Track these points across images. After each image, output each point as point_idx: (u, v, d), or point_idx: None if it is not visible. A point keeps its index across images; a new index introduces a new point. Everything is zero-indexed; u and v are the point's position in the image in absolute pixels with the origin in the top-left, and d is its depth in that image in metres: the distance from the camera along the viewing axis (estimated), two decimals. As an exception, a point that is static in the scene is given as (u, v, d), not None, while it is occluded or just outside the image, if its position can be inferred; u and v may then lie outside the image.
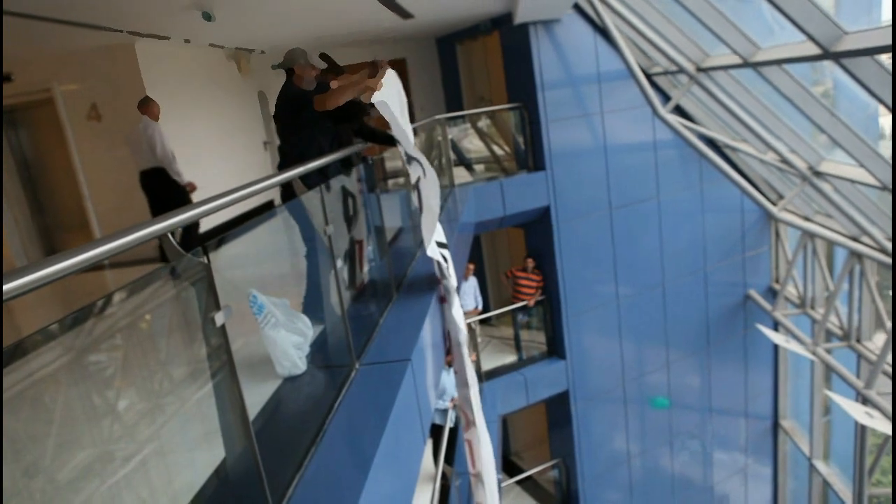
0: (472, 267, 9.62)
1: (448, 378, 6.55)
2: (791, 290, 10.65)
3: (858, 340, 8.98)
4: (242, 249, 2.77)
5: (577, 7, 8.92)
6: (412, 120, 4.58)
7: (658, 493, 11.55)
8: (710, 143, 9.73)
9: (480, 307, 9.97)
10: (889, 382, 8.07)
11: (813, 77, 7.18)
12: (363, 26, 8.77)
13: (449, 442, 6.59)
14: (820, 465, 10.70)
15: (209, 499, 2.19)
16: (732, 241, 10.92)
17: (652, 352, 10.82)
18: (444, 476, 6.21)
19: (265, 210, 2.88)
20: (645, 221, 10.22)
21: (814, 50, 5.21)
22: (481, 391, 9.19)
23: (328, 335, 3.34)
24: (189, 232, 5.78)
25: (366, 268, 4.08)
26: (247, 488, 2.23)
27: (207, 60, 8.83)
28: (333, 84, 4.53)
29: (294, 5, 6.57)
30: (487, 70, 11.27)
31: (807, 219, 9.80)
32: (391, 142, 4.02)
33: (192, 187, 6.51)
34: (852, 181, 7.20)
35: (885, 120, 7.08)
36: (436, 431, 6.72)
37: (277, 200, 4.78)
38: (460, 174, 9.40)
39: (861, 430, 8.58)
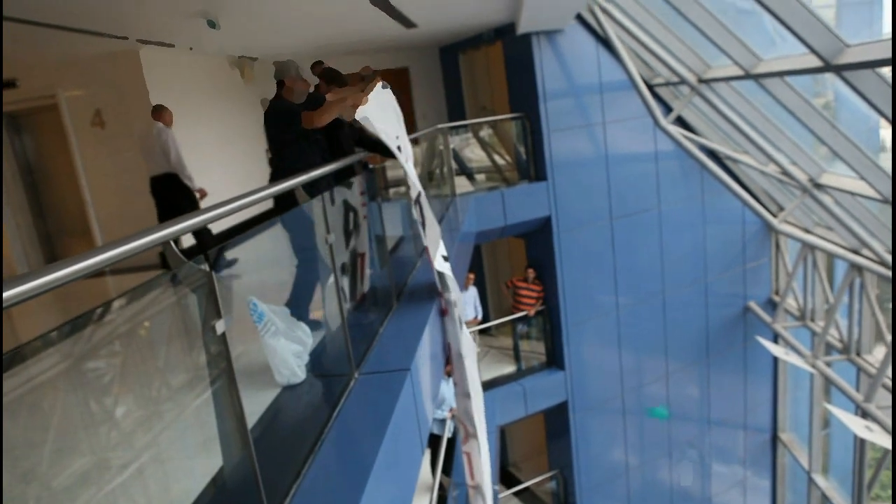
0: (472, 276, 9.62)
1: (447, 388, 6.53)
2: (791, 302, 10.64)
3: (858, 354, 8.96)
4: (244, 257, 2.78)
5: (579, 18, 8.97)
6: (413, 129, 4.60)
7: (657, 504, 11.50)
8: (712, 154, 9.75)
9: (480, 317, 9.96)
10: (889, 396, 8.04)
11: (814, 89, 7.20)
12: (366, 35, 8.82)
13: (447, 452, 6.57)
14: (819, 478, 10.65)
15: (207, 506, 2.18)
16: (733, 252, 10.92)
17: (651, 363, 10.80)
18: (441, 486, 6.19)
19: (265, 219, 2.89)
20: (646, 232, 10.23)
21: (815, 62, 5.23)
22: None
23: (327, 344, 3.34)
24: (201, 235, 5.84)
25: (367, 281, 4.08)
26: (244, 497, 2.22)
27: (211, 68, 8.87)
28: (329, 97, 4.58)
29: (298, 14, 6.61)
30: (490, 80, 11.31)
31: (807, 231, 9.80)
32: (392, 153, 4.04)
33: (203, 193, 6.58)
34: (853, 193, 7.20)
35: (886, 132, 7.10)
36: (434, 441, 6.70)
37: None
38: (461, 183, 9.43)
39: (860, 444, 8.55)
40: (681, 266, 10.57)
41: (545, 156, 9.30)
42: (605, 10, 8.30)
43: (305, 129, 4.12)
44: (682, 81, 8.08)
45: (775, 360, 11.23)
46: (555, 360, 10.24)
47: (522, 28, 8.65)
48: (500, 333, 11.00)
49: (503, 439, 11.78)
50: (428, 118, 11.39)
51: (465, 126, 10.30)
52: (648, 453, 11.17)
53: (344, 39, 8.94)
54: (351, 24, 7.78)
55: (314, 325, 3.17)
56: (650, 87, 9.40)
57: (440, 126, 8.73)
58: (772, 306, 11.13)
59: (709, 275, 10.82)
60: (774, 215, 10.27)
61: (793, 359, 9.50)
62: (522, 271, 10.33)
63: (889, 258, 7.66)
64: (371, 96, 3.75)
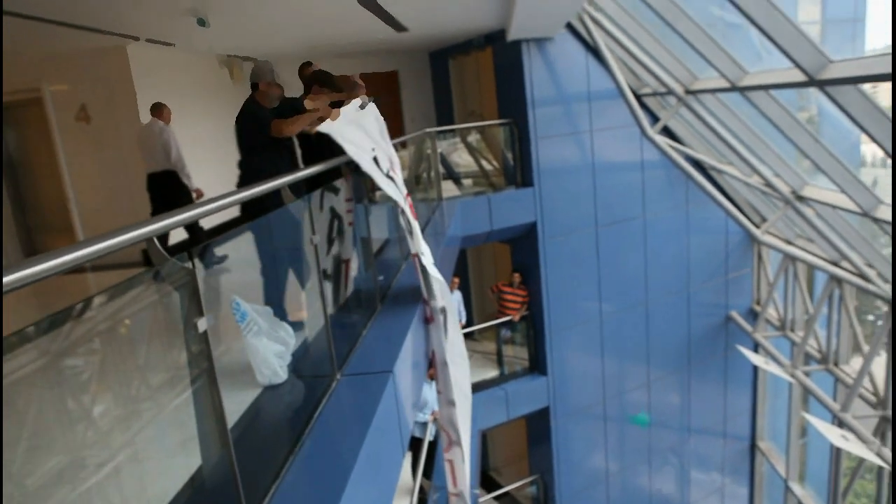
0: (456, 280, 9.63)
1: (430, 391, 6.53)
2: (771, 313, 10.77)
3: (836, 364, 9.09)
4: (231, 255, 2.77)
5: (569, 26, 9.04)
6: (402, 133, 4.60)
7: (636, 511, 11.56)
8: (697, 164, 9.87)
9: (464, 321, 9.97)
10: (865, 406, 8.16)
11: (799, 103, 7.32)
12: (357, 38, 8.82)
13: (428, 455, 6.56)
14: (795, 486, 10.77)
15: (184, 505, 2.17)
16: (716, 262, 11.04)
17: (633, 370, 10.87)
18: (421, 489, 6.18)
19: (249, 220, 2.88)
20: (630, 240, 10.31)
21: (799, 77, 5.32)
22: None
23: (310, 345, 3.33)
24: (194, 231, 5.82)
25: (350, 285, 4.07)
26: (223, 497, 2.21)
27: (200, 66, 8.82)
28: (307, 103, 4.61)
29: (288, 15, 6.60)
30: (479, 85, 11.36)
31: (789, 242, 9.94)
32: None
33: (200, 194, 6.57)
34: (834, 206, 7.32)
35: (867, 148, 7.23)
36: (415, 444, 6.69)
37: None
38: (448, 188, 9.44)
39: (836, 453, 8.67)
40: (664, 274, 10.67)
41: (532, 162, 9.35)
42: (594, 20, 8.38)
43: (274, 138, 4.15)
44: (670, 92, 8.17)
45: (755, 369, 11.35)
46: (537, 365, 10.27)
47: (513, 35, 8.70)
48: (483, 338, 11.02)
49: (484, 444, 11.78)
50: (416, 122, 11.40)
51: (453, 131, 10.32)
52: (628, 460, 11.23)
53: (334, 41, 8.93)
54: (341, 27, 7.78)
55: (297, 326, 3.17)
56: (638, 97, 9.50)
57: (429, 130, 8.75)
58: (753, 316, 11.26)
59: (692, 284, 10.92)
60: (757, 226, 10.40)
61: (772, 368, 9.61)
62: (507, 276, 10.36)
63: (868, 271, 7.78)
64: (346, 110, 3.72)
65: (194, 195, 6.53)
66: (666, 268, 10.66)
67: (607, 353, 10.51)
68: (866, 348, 8.25)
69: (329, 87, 4.88)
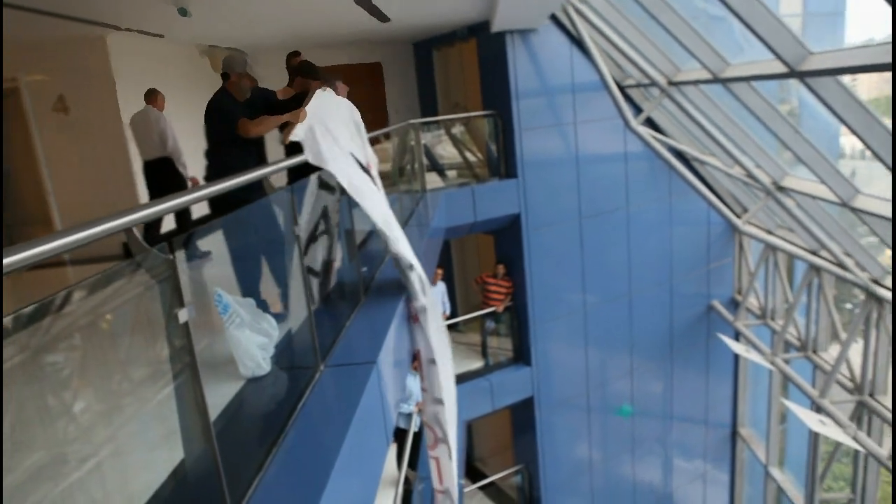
0: (440, 272, 9.64)
1: (414, 382, 6.54)
2: (752, 302, 10.91)
3: (815, 351, 9.24)
4: (214, 249, 2.75)
5: (553, 18, 9.04)
6: (385, 124, 4.57)
7: (619, 499, 11.69)
8: (679, 155, 9.93)
9: (448, 312, 9.99)
10: (842, 392, 8.33)
11: (780, 95, 7.40)
12: (340, 28, 8.75)
13: (413, 446, 6.58)
14: (775, 471, 10.98)
15: (166, 499, 2.16)
16: (698, 252, 11.15)
17: (616, 360, 10.97)
18: (406, 480, 6.20)
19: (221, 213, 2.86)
20: (614, 231, 10.38)
21: (780, 68, 5.37)
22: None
23: (293, 336, 3.32)
24: (182, 220, 5.76)
25: (334, 278, 4.05)
26: (206, 489, 2.21)
27: (181, 57, 8.70)
28: (280, 95, 4.59)
29: (270, 5, 6.54)
30: (463, 77, 11.33)
31: (769, 232, 10.06)
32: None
33: (195, 182, 6.52)
34: (813, 197, 7.42)
35: (847, 140, 7.32)
36: (400, 435, 6.71)
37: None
38: (432, 179, 9.42)
39: (814, 438, 8.84)
40: (647, 265, 10.75)
41: (516, 154, 9.36)
42: (578, 11, 8.38)
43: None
44: (653, 83, 8.21)
45: (736, 357, 11.51)
46: (522, 356, 10.33)
47: (497, 26, 8.68)
48: (468, 329, 11.06)
49: (470, 434, 11.85)
50: (400, 113, 11.35)
51: (437, 122, 10.30)
52: (612, 449, 11.36)
53: (317, 32, 8.86)
54: (324, 17, 7.71)
55: (280, 317, 3.16)
56: (621, 89, 9.53)
57: (413, 121, 8.72)
58: (734, 305, 11.40)
59: (674, 274, 11.02)
60: (738, 217, 10.52)
61: (753, 356, 9.76)
62: (491, 267, 10.38)
63: (846, 260, 7.91)
64: (312, 109, 3.63)
65: (189, 183, 6.49)
66: (649, 258, 10.74)
67: (591, 344, 10.60)
68: (844, 336, 8.40)
69: (312, 77, 4.85)
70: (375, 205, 3.80)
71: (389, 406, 3.54)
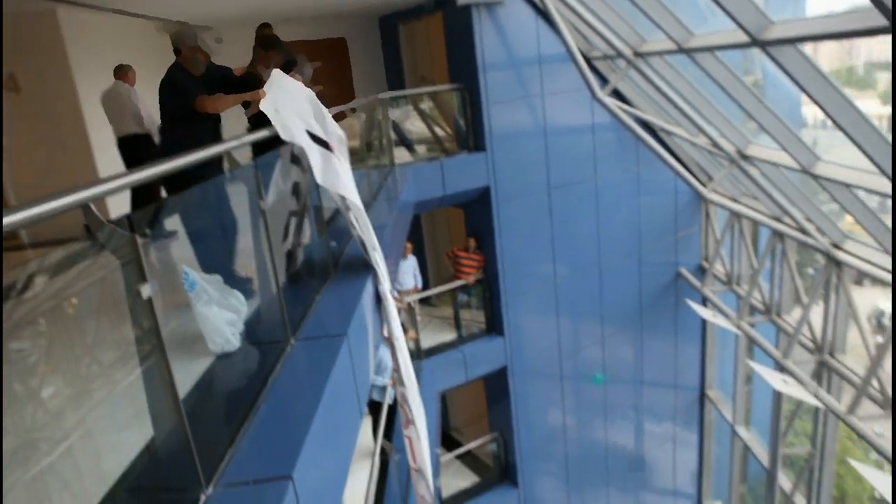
0: (410, 246, 9.65)
1: (387, 354, 6.58)
2: (719, 268, 11.17)
3: (778, 314, 9.53)
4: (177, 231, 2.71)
5: (519, -11, 8.97)
6: (351, 100, 4.50)
7: (592, 463, 12.01)
8: (646, 126, 10.03)
9: (420, 286, 10.03)
10: (804, 352, 8.64)
11: (744, 66, 7.50)
12: (303, 2, 8.56)
13: (388, 418, 6.65)
14: (741, 430, 11.39)
15: (138, 477, 2.16)
16: (665, 221, 11.33)
17: (587, 328, 11.17)
18: (383, 451, 6.28)
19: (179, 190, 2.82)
20: (582, 202, 10.47)
21: (743, 38, 5.44)
22: (420, 369, 9.26)
23: (263, 311, 3.31)
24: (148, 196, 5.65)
25: (301, 256, 4.02)
26: (177, 465, 2.21)
27: (137, 32, 8.44)
28: (237, 71, 4.51)
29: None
30: (430, 51, 11.21)
31: (735, 200, 10.27)
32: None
33: None
34: (776, 164, 7.58)
35: (808, 109, 7.47)
36: (375, 408, 6.77)
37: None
38: (401, 155, 9.37)
39: (778, 397, 9.17)
40: (616, 235, 10.90)
41: (484, 126, 9.34)
42: (543, -19, 8.33)
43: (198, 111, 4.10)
44: (619, 55, 8.24)
45: (704, 322, 11.80)
46: (494, 326, 10.45)
47: (462, -2, 8.58)
48: (441, 303, 11.12)
49: (444, 405, 11.98)
50: (367, 88, 11.21)
51: (405, 97, 10.20)
52: (585, 415, 11.62)
53: (280, 5, 8.65)
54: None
55: (248, 293, 3.14)
56: (588, 60, 9.54)
57: (381, 96, 8.62)
58: (701, 272, 11.66)
59: (643, 243, 11.20)
60: (704, 185, 10.70)
61: (720, 321, 10.02)
62: (462, 241, 10.42)
63: (808, 226, 8.13)
64: (271, 90, 3.58)
65: None
66: (617, 228, 10.89)
67: (562, 313, 10.75)
68: (806, 299, 8.67)
69: (276, 51, 4.78)
70: (341, 181, 3.79)
71: (362, 378, 3.57)
